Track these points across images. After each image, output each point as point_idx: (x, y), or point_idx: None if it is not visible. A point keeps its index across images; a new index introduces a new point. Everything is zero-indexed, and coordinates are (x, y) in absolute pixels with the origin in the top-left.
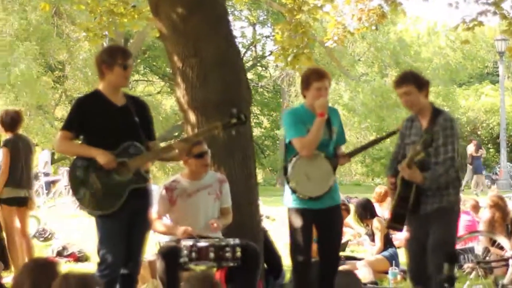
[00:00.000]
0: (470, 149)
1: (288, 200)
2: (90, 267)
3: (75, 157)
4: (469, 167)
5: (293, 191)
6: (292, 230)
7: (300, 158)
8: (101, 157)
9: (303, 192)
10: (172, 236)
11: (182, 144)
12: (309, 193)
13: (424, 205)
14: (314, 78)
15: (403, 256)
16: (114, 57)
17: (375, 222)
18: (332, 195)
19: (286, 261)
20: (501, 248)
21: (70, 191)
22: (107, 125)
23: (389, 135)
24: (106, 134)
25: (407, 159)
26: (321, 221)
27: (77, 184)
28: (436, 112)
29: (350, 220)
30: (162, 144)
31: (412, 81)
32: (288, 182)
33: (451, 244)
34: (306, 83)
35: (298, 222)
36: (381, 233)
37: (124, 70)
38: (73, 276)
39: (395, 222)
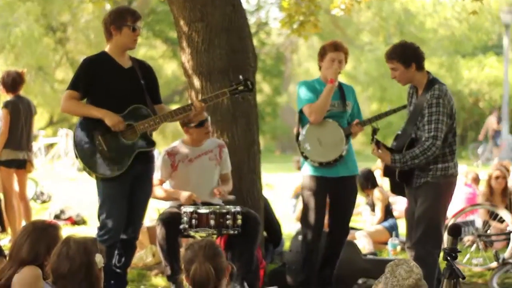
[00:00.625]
0: (492, 120)
1: (304, 168)
2: (88, 231)
3: (80, 118)
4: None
5: (305, 157)
6: (305, 196)
7: (313, 124)
8: (109, 118)
9: (314, 157)
10: (173, 202)
11: (193, 108)
12: (320, 158)
13: (416, 179)
14: (330, 49)
15: (403, 227)
16: (123, 18)
17: (376, 193)
18: (347, 165)
19: (286, 230)
20: (501, 221)
21: (70, 153)
22: (114, 87)
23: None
24: (113, 95)
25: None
26: (333, 190)
27: (81, 146)
28: (429, 85)
29: None
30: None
31: (398, 58)
32: (299, 147)
33: (435, 219)
34: (322, 53)
35: (311, 190)
36: (382, 204)
37: (133, 31)
38: (74, 241)
39: (395, 192)
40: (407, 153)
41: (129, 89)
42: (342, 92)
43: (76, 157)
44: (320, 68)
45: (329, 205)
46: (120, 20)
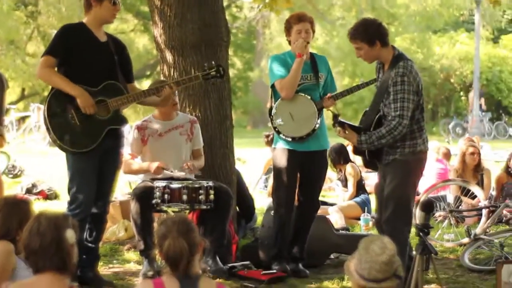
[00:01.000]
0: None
1: (275, 141)
2: (59, 204)
3: (54, 89)
4: None
5: (277, 132)
6: (277, 171)
7: (284, 99)
8: (82, 98)
9: (287, 132)
10: (145, 176)
11: (165, 90)
12: (292, 133)
13: (385, 155)
14: (294, 21)
15: (375, 203)
16: None
17: (349, 168)
18: (318, 139)
19: (258, 205)
20: (473, 197)
21: (42, 127)
22: (89, 58)
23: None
24: (87, 67)
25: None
26: (304, 164)
27: (54, 118)
28: (395, 61)
29: None
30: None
31: (361, 37)
32: (272, 122)
33: (404, 196)
34: (287, 27)
35: (283, 162)
36: (354, 179)
37: (113, 5)
38: (45, 217)
39: (368, 167)
40: (374, 133)
41: (104, 63)
42: (315, 64)
43: (47, 128)
44: (289, 43)
45: (299, 179)
46: None
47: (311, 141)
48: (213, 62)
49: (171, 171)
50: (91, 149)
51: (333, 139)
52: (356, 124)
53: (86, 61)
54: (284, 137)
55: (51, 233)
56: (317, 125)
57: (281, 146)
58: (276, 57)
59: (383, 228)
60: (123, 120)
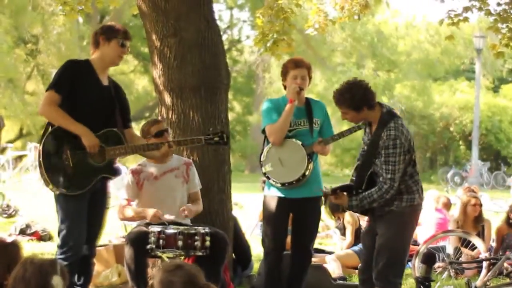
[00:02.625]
0: None
1: (266, 188)
2: (53, 246)
3: (53, 127)
4: None
5: (267, 177)
6: (266, 218)
7: (274, 144)
8: (87, 138)
9: (276, 177)
10: (141, 221)
11: (164, 147)
12: (282, 179)
13: (378, 210)
14: (291, 66)
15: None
16: (115, 32)
17: (347, 216)
18: (310, 186)
19: (255, 251)
20: (473, 248)
21: (37, 165)
22: (92, 102)
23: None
24: (89, 110)
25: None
26: (296, 211)
27: (48, 157)
28: (383, 124)
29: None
30: (135, 125)
31: (347, 104)
32: (262, 167)
33: (399, 248)
34: (284, 72)
35: (272, 210)
36: (352, 227)
37: (121, 47)
38: (31, 262)
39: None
40: (365, 198)
41: (105, 108)
42: (309, 109)
43: (40, 166)
44: (285, 87)
45: (292, 226)
46: (112, 33)
47: (302, 188)
48: (218, 127)
49: (167, 224)
50: (81, 193)
51: (330, 185)
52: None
53: (88, 103)
54: (274, 182)
55: (37, 280)
56: (308, 171)
57: (272, 193)
58: (270, 101)
59: (375, 281)
60: (116, 171)
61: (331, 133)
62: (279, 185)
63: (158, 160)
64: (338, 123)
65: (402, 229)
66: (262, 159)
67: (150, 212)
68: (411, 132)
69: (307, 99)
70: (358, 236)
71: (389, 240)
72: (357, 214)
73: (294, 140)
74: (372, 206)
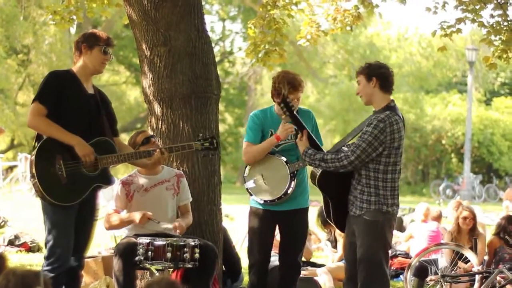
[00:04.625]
0: None
1: (251, 200)
2: (42, 257)
3: (45, 137)
4: None
5: (250, 194)
6: (251, 230)
7: (247, 163)
8: (81, 147)
9: (258, 194)
10: (129, 231)
11: (156, 154)
12: (264, 196)
13: (350, 205)
14: (287, 90)
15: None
16: (96, 39)
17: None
18: (296, 198)
19: (245, 264)
20: (466, 261)
21: (28, 176)
22: (78, 111)
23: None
24: (76, 120)
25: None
26: (282, 224)
27: (41, 167)
28: (383, 109)
29: (312, 224)
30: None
31: (362, 71)
32: (245, 183)
33: (377, 258)
34: (277, 92)
35: (257, 222)
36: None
37: (103, 54)
38: (13, 273)
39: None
40: (320, 153)
41: (90, 115)
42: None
43: (33, 177)
44: (272, 97)
45: (280, 240)
46: (93, 40)
47: (287, 201)
48: (207, 133)
49: (157, 222)
50: (74, 203)
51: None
52: None
53: (73, 113)
54: (256, 199)
55: None
56: (290, 189)
57: (256, 206)
58: (256, 116)
59: None
60: (110, 179)
61: (320, 142)
62: (261, 201)
63: (149, 169)
64: (330, 134)
65: (378, 239)
66: (245, 175)
67: (138, 215)
68: (402, 136)
69: None
70: None
71: (366, 252)
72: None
73: (278, 157)
74: (322, 165)
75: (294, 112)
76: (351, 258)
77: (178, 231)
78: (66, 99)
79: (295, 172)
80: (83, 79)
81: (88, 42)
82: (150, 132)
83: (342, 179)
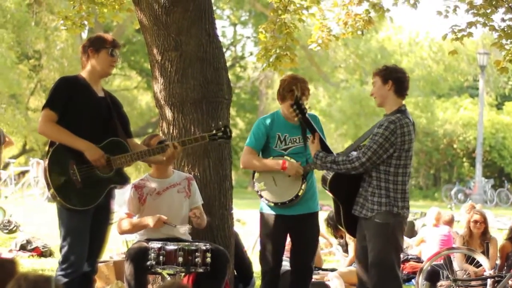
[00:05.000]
0: None
1: (261, 205)
2: (54, 263)
3: (57, 143)
4: None
5: (260, 196)
6: (264, 236)
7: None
8: (90, 152)
9: (269, 197)
10: (141, 236)
11: (170, 149)
12: (275, 199)
13: (359, 207)
14: (289, 97)
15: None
16: (102, 42)
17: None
18: (307, 203)
19: (256, 268)
20: (478, 265)
21: (40, 182)
22: (89, 114)
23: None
24: (88, 123)
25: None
26: (293, 229)
27: (55, 173)
28: (394, 112)
29: (322, 229)
30: (137, 140)
31: (378, 72)
32: (254, 185)
33: (386, 263)
34: (281, 96)
35: (269, 228)
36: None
37: (111, 56)
38: (25, 279)
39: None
40: (331, 156)
41: (103, 118)
42: (304, 128)
43: (48, 184)
44: (280, 104)
45: (291, 244)
46: (99, 43)
47: (299, 205)
48: (220, 123)
49: (174, 226)
50: (91, 207)
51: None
52: None
53: (85, 116)
54: (266, 202)
55: None
56: (301, 191)
57: (268, 211)
58: (261, 122)
59: None
60: (126, 179)
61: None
62: (272, 204)
63: (165, 165)
64: (341, 138)
65: (389, 242)
66: (255, 177)
67: (151, 220)
68: (412, 139)
69: None
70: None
71: (378, 255)
72: None
73: (288, 158)
74: (333, 167)
75: (306, 115)
76: (363, 262)
77: (194, 216)
78: (77, 104)
79: (305, 174)
80: (92, 82)
81: (95, 45)
82: (162, 137)
83: (354, 183)
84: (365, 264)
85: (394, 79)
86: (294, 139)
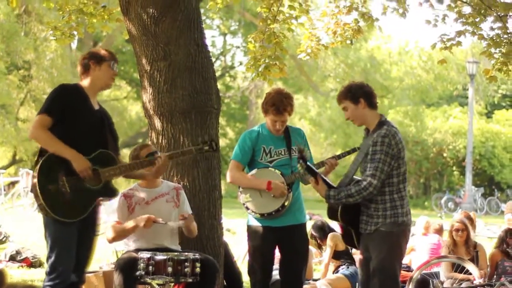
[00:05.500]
0: None
1: (249, 217)
2: (43, 273)
3: (48, 153)
4: None
5: (246, 207)
6: (252, 248)
7: (255, 174)
8: (78, 163)
9: (255, 208)
10: (130, 246)
11: (157, 162)
12: (260, 210)
13: (365, 225)
14: (272, 111)
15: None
16: (104, 55)
17: (329, 239)
18: (294, 214)
19: (246, 278)
20: (469, 273)
21: (30, 193)
22: (83, 125)
23: (349, 152)
24: (81, 134)
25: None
26: (282, 240)
27: (43, 185)
28: (379, 126)
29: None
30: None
31: (345, 96)
32: (240, 197)
33: (390, 270)
34: (264, 110)
35: (256, 240)
36: (331, 250)
37: (112, 69)
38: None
39: (346, 242)
40: (343, 190)
41: (97, 131)
42: (288, 138)
43: (36, 196)
44: (264, 116)
45: (280, 256)
46: (101, 56)
47: (286, 216)
48: (206, 137)
49: (164, 223)
50: (79, 219)
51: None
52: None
53: (80, 127)
54: (252, 213)
55: None
56: (287, 201)
57: (255, 223)
58: (247, 136)
59: None
60: (114, 192)
61: (311, 160)
62: (258, 215)
63: (151, 179)
64: (331, 147)
65: (392, 250)
66: (240, 189)
67: (141, 220)
68: (404, 145)
69: (286, 127)
70: (348, 257)
71: (380, 262)
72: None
73: (273, 169)
74: (349, 201)
75: (308, 163)
76: (366, 273)
77: (183, 218)
78: (74, 113)
79: (291, 184)
80: (91, 94)
81: (96, 58)
82: (152, 147)
83: (358, 205)
84: (368, 274)
85: (363, 95)
86: (280, 151)
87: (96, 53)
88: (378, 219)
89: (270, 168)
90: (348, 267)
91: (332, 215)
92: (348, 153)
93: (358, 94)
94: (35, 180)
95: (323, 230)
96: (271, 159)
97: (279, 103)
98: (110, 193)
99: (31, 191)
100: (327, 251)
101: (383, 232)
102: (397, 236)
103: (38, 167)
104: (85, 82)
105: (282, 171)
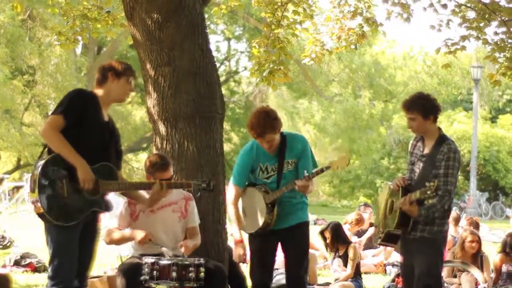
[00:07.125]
0: None
1: None
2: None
3: (55, 154)
4: None
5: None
6: (252, 251)
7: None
8: (83, 171)
9: (242, 228)
10: (134, 251)
11: (155, 187)
12: (247, 229)
13: (413, 230)
14: (253, 134)
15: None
16: (124, 70)
17: (351, 251)
18: (292, 216)
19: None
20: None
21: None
22: (93, 134)
23: (318, 172)
24: (89, 143)
25: (411, 196)
26: (283, 241)
27: (44, 184)
28: (441, 139)
29: (318, 242)
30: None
31: (418, 109)
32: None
33: (434, 275)
34: (249, 132)
35: (256, 244)
36: (354, 262)
37: (129, 84)
38: None
39: (388, 241)
40: (430, 208)
41: (103, 143)
42: (282, 151)
43: (33, 190)
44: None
45: (284, 255)
46: (122, 70)
47: (286, 218)
48: (205, 179)
49: (160, 247)
50: (72, 224)
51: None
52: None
53: (89, 135)
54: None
55: None
56: (270, 220)
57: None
58: (245, 154)
59: None
60: (108, 206)
61: (308, 166)
62: (248, 233)
63: (147, 205)
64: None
65: (436, 255)
66: (228, 209)
67: (139, 234)
68: None
69: (283, 137)
70: (357, 271)
71: (427, 267)
72: (360, 251)
73: (256, 189)
74: (431, 214)
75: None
76: (408, 278)
77: (182, 249)
78: (86, 121)
79: (274, 201)
80: (103, 105)
81: (116, 71)
82: (171, 173)
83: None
84: (410, 280)
85: (434, 112)
86: (275, 167)
87: (116, 65)
88: (426, 226)
89: (255, 187)
90: (357, 279)
91: (391, 240)
92: (317, 173)
93: (430, 111)
94: (35, 176)
95: (337, 233)
96: (267, 175)
97: (256, 127)
98: (105, 206)
99: (29, 181)
100: (350, 264)
101: (426, 238)
102: (439, 242)
103: (40, 164)
104: (100, 92)
105: (268, 187)
